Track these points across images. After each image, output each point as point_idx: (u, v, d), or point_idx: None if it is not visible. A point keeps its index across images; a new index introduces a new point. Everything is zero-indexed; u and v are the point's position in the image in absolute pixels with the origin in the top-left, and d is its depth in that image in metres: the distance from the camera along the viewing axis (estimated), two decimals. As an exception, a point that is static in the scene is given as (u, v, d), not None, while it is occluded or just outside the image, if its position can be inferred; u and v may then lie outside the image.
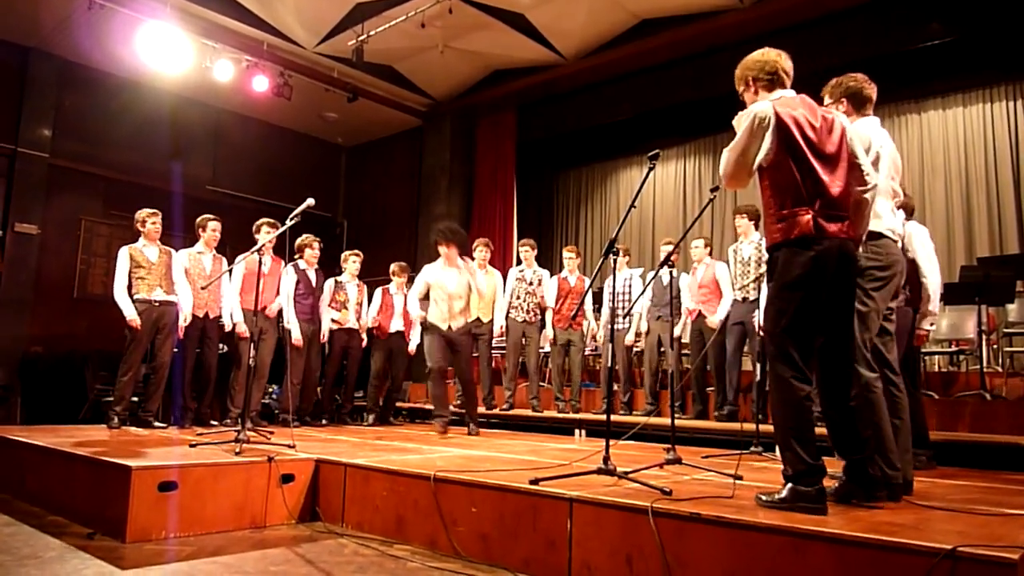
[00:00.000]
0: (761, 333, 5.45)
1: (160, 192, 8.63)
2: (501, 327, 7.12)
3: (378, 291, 7.09)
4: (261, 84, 8.64)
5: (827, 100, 3.14)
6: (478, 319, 7.00)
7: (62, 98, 8.76)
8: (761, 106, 2.64)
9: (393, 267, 7.18)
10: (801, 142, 2.58)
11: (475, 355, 7.26)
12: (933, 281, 3.89)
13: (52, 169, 8.62)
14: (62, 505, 3.61)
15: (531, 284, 6.97)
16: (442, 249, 5.69)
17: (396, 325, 7.05)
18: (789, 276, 2.57)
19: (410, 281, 7.23)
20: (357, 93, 9.50)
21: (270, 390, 7.12)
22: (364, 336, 6.99)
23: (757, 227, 5.98)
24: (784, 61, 2.81)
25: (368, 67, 8.93)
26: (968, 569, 1.87)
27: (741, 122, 2.73)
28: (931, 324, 3.90)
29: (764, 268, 5.58)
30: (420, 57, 9.21)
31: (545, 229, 10.95)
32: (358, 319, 6.82)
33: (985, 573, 1.85)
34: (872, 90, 3.11)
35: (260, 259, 5.26)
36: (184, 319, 5.63)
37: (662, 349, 6.39)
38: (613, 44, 8.59)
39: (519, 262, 7.29)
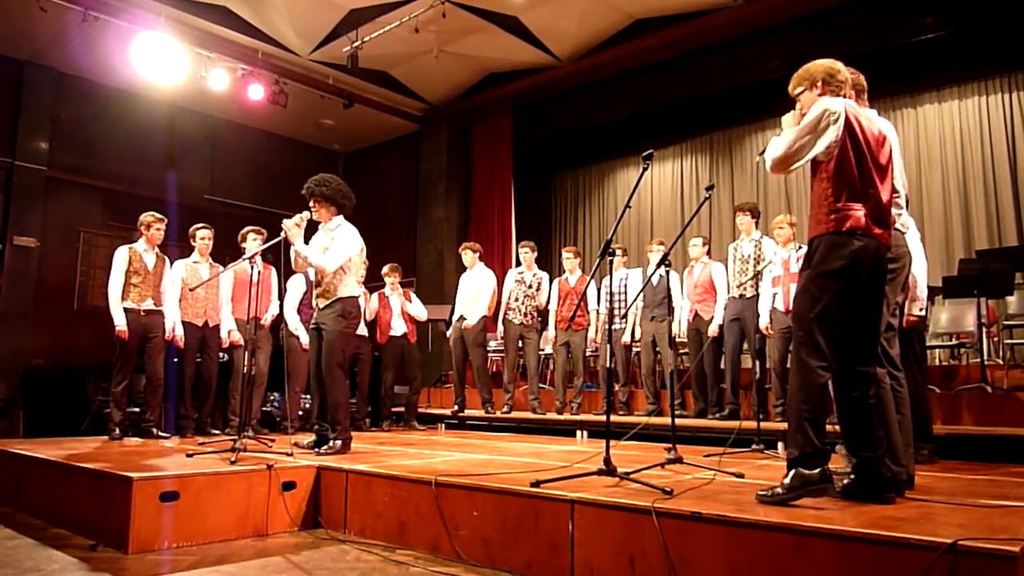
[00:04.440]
0: (761, 331, 5.49)
1: (157, 202, 8.61)
2: (482, 320, 7.05)
3: (374, 296, 7.01)
4: (256, 92, 8.65)
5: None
6: (462, 317, 7.02)
7: (58, 110, 8.78)
8: (836, 103, 2.72)
9: (385, 269, 7.10)
10: (864, 146, 2.70)
11: (467, 358, 7.27)
12: (920, 268, 3.88)
13: (49, 181, 8.64)
14: (64, 517, 3.61)
15: (530, 287, 6.95)
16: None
17: (398, 328, 6.99)
18: (829, 265, 2.63)
19: (404, 282, 7.25)
20: (353, 99, 9.52)
21: (271, 398, 7.11)
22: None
23: (758, 225, 5.98)
24: (854, 77, 2.97)
25: (363, 73, 8.94)
26: (969, 562, 1.86)
27: (804, 115, 2.80)
28: (920, 309, 3.90)
29: (762, 265, 5.61)
30: (415, 62, 9.22)
31: (543, 231, 10.97)
32: (366, 325, 6.80)
33: (986, 566, 1.84)
34: (864, 80, 3.20)
35: (251, 267, 5.22)
36: (169, 332, 5.62)
37: (657, 349, 6.39)
38: (607, 45, 8.61)
39: (518, 263, 7.28)
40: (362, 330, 6.68)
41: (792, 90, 2.95)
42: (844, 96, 2.85)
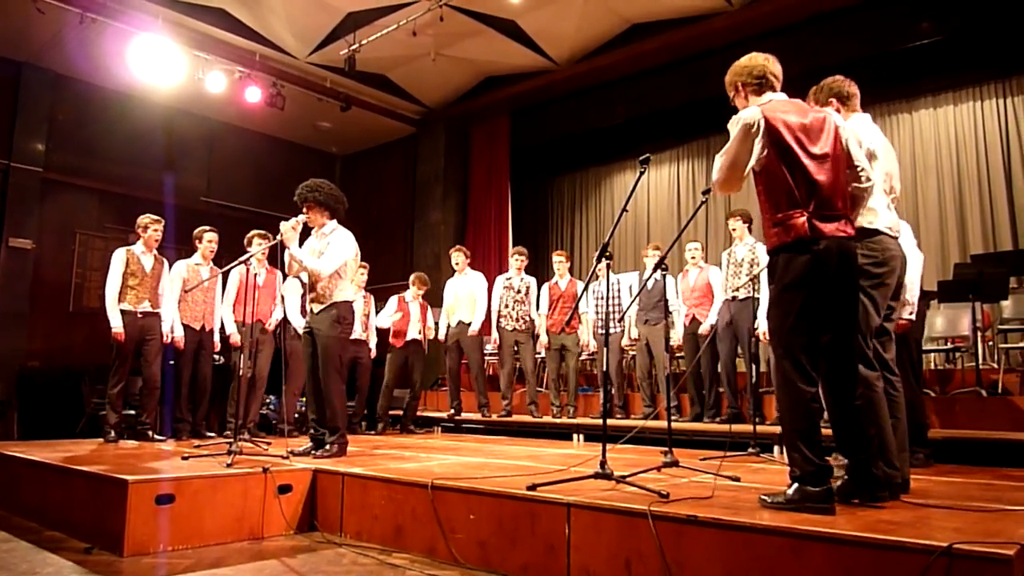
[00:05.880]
0: (757, 335, 5.48)
1: (154, 204, 8.57)
2: (482, 326, 7.10)
3: (393, 298, 7.09)
4: (254, 95, 8.64)
5: (813, 104, 3.15)
6: (460, 322, 7.03)
7: (55, 112, 8.76)
8: (750, 112, 2.67)
9: (412, 277, 7.23)
10: (792, 144, 2.60)
11: (464, 361, 7.29)
12: (914, 271, 3.88)
13: (46, 183, 8.61)
14: (59, 520, 3.60)
15: (519, 292, 6.97)
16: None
17: (412, 333, 7.04)
18: (789, 278, 2.59)
19: (428, 293, 7.29)
20: (350, 102, 9.52)
21: (267, 400, 7.10)
22: (373, 347, 6.98)
23: (751, 230, 5.99)
24: (772, 65, 2.83)
25: (361, 76, 8.95)
26: (964, 566, 1.87)
27: (732, 128, 2.75)
28: (910, 313, 3.90)
29: (757, 269, 5.62)
30: (412, 65, 9.23)
31: (540, 234, 10.97)
32: (364, 330, 6.80)
33: (981, 569, 1.85)
34: (853, 87, 3.16)
35: (249, 271, 5.22)
36: (167, 333, 5.60)
37: (652, 352, 6.38)
38: (605, 49, 8.63)
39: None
40: (360, 335, 6.68)
41: (728, 93, 2.93)
42: (775, 90, 2.78)
